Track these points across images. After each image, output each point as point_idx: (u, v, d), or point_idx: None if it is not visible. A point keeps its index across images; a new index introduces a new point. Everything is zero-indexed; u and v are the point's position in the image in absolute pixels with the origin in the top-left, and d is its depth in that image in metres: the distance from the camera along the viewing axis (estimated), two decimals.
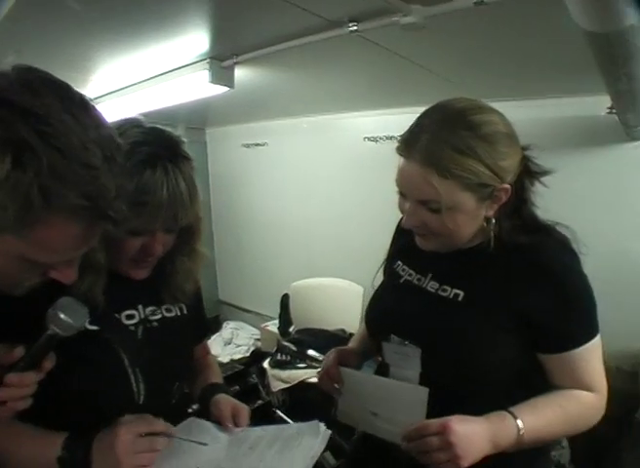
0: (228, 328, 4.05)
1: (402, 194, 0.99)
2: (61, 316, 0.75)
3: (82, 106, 0.66)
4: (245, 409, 1.06)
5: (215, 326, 4.17)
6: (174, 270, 1.05)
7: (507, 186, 0.93)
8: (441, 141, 0.88)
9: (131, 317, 1.00)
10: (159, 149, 0.89)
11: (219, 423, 1.03)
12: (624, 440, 1.84)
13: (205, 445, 0.91)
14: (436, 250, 1.04)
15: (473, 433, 0.86)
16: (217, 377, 1.22)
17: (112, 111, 1.93)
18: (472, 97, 0.96)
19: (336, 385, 1.11)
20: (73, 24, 1.43)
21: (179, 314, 1.09)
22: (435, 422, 0.87)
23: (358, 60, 1.88)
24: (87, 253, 0.83)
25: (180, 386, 1.07)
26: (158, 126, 0.96)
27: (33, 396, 0.76)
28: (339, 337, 2.88)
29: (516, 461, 0.96)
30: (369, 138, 2.98)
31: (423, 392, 0.95)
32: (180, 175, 0.90)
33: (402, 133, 0.97)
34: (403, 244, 1.16)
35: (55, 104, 0.61)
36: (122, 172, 0.70)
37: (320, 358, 2.73)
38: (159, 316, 1.04)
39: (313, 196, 3.43)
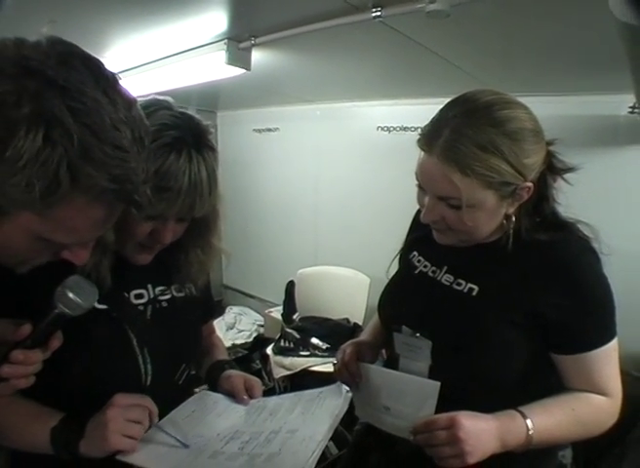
0: (231, 312, 4.05)
1: (421, 188, 0.98)
2: (70, 295, 0.74)
3: (114, 85, 0.64)
4: (258, 382, 1.07)
5: (218, 310, 4.20)
6: (187, 262, 1.04)
7: (530, 184, 0.91)
8: (464, 137, 0.86)
9: (140, 296, 0.99)
10: (186, 135, 0.87)
11: (231, 396, 1.04)
12: (626, 442, 1.83)
13: (187, 447, 0.88)
14: (453, 244, 1.02)
15: (482, 430, 0.86)
16: (223, 356, 1.22)
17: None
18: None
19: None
20: None
21: (188, 294, 1.08)
22: (444, 416, 0.87)
23: (378, 48, 1.84)
24: None
25: (186, 367, 1.06)
26: (188, 111, 0.93)
27: (38, 375, 0.75)
28: (343, 327, 2.88)
29: (522, 461, 0.95)
30: (382, 128, 2.94)
31: (434, 386, 0.94)
32: (204, 163, 0.88)
33: (416, 123, 0.96)
34: (420, 234, 1.14)
35: (88, 81, 0.60)
36: (149, 155, 0.69)
37: (323, 346, 2.73)
38: (169, 296, 1.04)
39: (323, 184, 3.41)
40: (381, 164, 2.97)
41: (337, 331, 2.82)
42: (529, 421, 0.88)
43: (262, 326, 3.79)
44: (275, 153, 3.69)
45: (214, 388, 1.09)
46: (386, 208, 2.91)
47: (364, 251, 3.09)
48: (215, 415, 0.97)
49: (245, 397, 1.02)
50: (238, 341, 3.66)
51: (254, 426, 0.93)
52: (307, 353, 2.72)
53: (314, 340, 2.78)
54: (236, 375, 1.07)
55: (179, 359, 1.04)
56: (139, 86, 2.19)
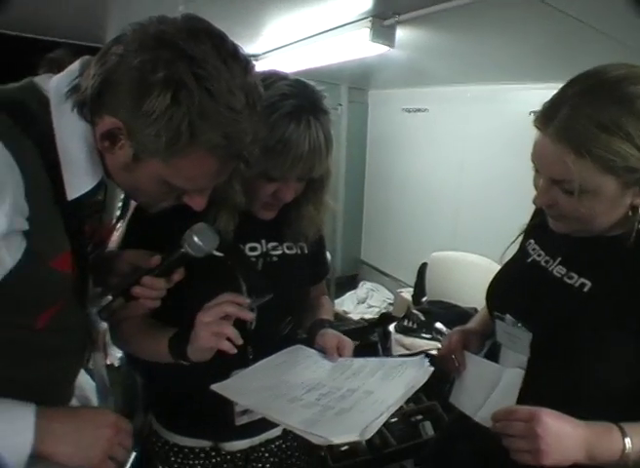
0: (364, 287, 4.15)
1: (537, 170, 0.93)
2: (195, 239, 0.88)
3: (234, 55, 0.74)
4: (350, 343, 1.12)
5: (352, 283, 4.34)
6: (299, 216, 1.13)
7: None
8: (582, 116, 0.79)
9: (253, 249, 1.10)
10: (303, 102, 0.95)
11: (323, 353, 1.11)
12: None
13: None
14: (569, 233, 0.95)
15: (565, 433, 0.80)
16: (327, 316, 1.28)
17: (279, 66, 2.09)
18: None
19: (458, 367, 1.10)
20: None
21: (299, 253, 1.17)
22: (526, 409, 0.84)
23: (531, 25, 1.72)
24: (229, 194, 0.96)
25: (291, 321, 1.15)
26: (302, 79, 1.01)
27: (162, 302, 0.91)
28: (469, 316, 2.75)
29: None
30: (535, 113, 2.72)
31: (518, 374, 0.92)
32: (321, 128, 0.96)
33: None
34: (539, 221, 1.08)
35: (211, 51, 0.71)
36: (260, 119, 0.78)
37: (446, 332, 2.68)
38: (280, 252, 1.13)
39: (469, 168, 3.28)
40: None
41: (462, 319, 2.70)
42: (627, 440, 0.79)
43: (392, 304, 3.83)
44: (423, 133, 3.64)
45: (310, 343, 1.16)
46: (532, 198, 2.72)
47: (503, 241, 2.92)
48: (304, 367, 1.05)
49: (335, 354, 1.08)
50: (367, 316, 3.74)
51: (335, 382, 0.99)
52: (429, 336, 2.69)
53: (438, 325, 2.73)
54: (332, 334, 1.13)
55: (283, 311, 1.13)
56: (290, 63, 2.33)
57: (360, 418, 0.82)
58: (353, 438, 0.78)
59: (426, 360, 1.04)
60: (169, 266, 0.90)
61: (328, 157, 1.01)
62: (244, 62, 0.75)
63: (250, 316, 0.93)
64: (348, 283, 4.33)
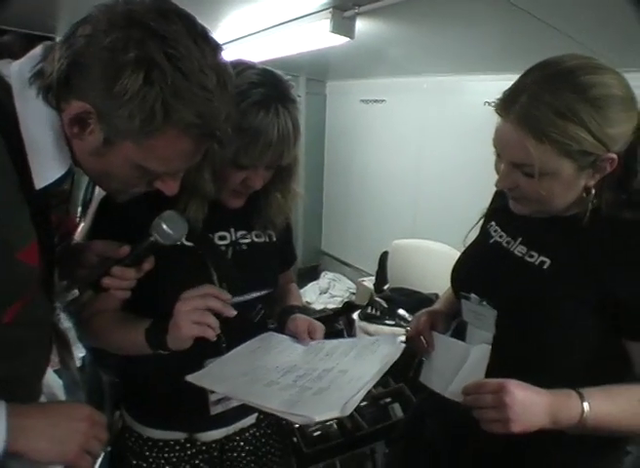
0: (326, 278, 4.19)
1: (498, 155, 0.97)
2: (164, 226, 0.87)
3: (204, 36, 0.74)
4: (321, 326, 1.13)
5: (314, 274, 4.38)
6: (267, 204, 1.13)
7: (614, 156, 0.86)
8: (541, 103, 0.83)
9: (223, 238, 1.10)
10: (272, 91, 0.96)
11: (295, 338, 1.12)
12: None
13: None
14: (529, 215, 1.00)
15: (531, 401, 0.84)
16: (297, 302, 1.29)
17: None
18: (606, 64, 0.88)
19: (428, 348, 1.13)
20: None
21: (267, 241, 1.18)
22: (494, 381, 0.87)
23: (484, 18, 1.78)
24: (199, 183, 0.95)
25: (262, 308, 1.15)
26: (269, 68, 1.02)
27: (132, 292, 0.89)
28: (431, 302, 2.85)
29: (583, 452, 0.95)
30: (489, 104, 2.81)
31: (485, 349, 0.96)
32: (289, 116, 0.97)
33: None
34: (500, 205, 1.13)
35: (182, 31, 0.70)
36: (231, 99, 0.78)
37: (409, 318, 2.74)
38: (249, 240, 1.14)
39: (426, 158, 3.35)
40: (488, 141, 2.85)
41: (424, 305, 2.74)
42: (585, 404, 0.84)
43: (355, 294, 3.88)
44: (380, 124, 3.69)
45: (281, 329, 1.16)
46: (490, 185, 2.80)
47: (461, 227, 3.00)
48: (277, 352, 1.06)
49: (306, 337, 1.09)
50: (330, 306, 3.78)
51: (310, 363, 1.00)
52: (392, 323, 2.74)
53: (401, 311, 2.79)
54: (302, 318, 1.14)
55: (255, 299, 1.13)
56: (250, 54, 2.31)
57: (339, 395, 0.84)
58: (334, 414, 0.80)
59: (398, 337, 1.07)
60: (138, 255, 0.89)
61: (296, 145, 1.02)
62: (213, 44, 0.75)
63: (233, 313, 0.93)
64: (310, 274, 4.36)
